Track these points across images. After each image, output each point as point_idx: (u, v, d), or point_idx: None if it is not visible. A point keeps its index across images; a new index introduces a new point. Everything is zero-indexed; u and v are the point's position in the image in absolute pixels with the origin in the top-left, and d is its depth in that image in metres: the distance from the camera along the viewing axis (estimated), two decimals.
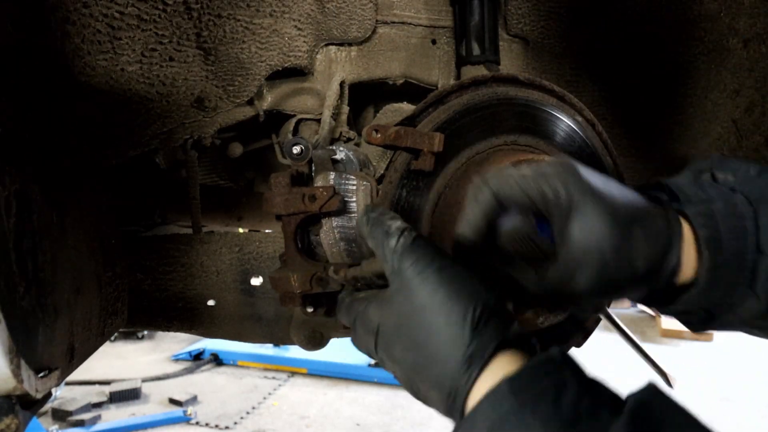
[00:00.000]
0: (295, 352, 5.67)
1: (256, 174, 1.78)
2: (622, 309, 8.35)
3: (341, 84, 1.27)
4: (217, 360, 6.10)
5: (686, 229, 0.74)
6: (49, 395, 0.87)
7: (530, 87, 1.09)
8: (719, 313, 0.76)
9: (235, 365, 6.03)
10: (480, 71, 1.27)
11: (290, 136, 1.31)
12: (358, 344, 0.77)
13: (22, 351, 0.74)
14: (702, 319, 0.78)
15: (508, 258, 0.76)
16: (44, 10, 0.97)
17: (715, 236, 0.73)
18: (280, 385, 5.50)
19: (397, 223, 0.75)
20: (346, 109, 1.31)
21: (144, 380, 5.43)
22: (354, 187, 1.06)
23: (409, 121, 1.05)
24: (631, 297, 0.76)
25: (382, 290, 0.73)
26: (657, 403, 0.56)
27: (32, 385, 0.77)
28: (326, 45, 1.29)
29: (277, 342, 1.43)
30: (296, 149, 1.05)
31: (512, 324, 0.66)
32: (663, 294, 0.76)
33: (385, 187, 1.01)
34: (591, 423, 0.54)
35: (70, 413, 4.64)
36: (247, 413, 4.89)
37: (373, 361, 5.27)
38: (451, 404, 0.64)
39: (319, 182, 1.07)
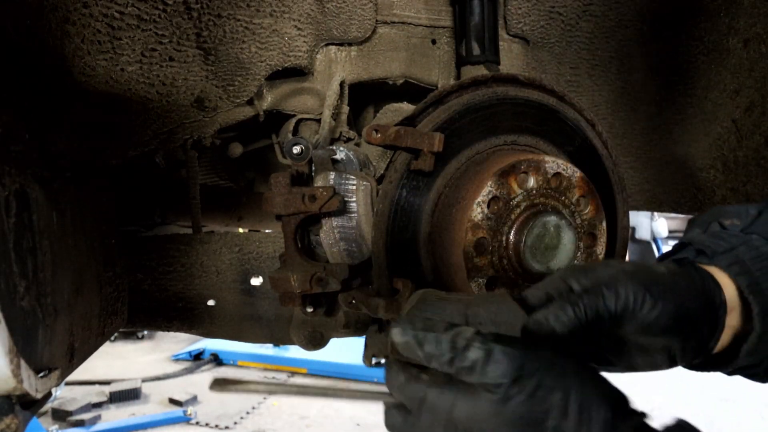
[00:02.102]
0: (295, 352, 5.67)
1: (256, 174, 1.78)
2: None
3: (341, 84, 1.27)
4: (217, 360, 6.10)
5: (725, 283, 0.77)
6: (49, 395, 0.87)
7: (530, 87, 1.09)
8: None
9: (235, 365, 6.03)
10: (480, 71, 1.27)
11: (290, 136, 1.31)
12: (408, 429, 0.69)
13: (22, 351, 0.74)
14: (753, 367, 0.80)
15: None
16: (44, 10, 0.97)
17: (753, 281, 0.76)
18: None
19: (465, 335, 0.65)
20: (346, 109, 1.30)
21: (144, 380, 5.43)
22: (354, 187, 1.06)
23: (409, 121, 1.05)
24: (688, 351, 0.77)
25: (472, 387, 0.64)
26: None
27: (32, 385, 0.77)
28: (326, 45, 1.29)
29: (277, 342, 1.43)
30: (296, 149, 1.05)
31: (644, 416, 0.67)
32: (722, 355, 0.79)
33: (385, 187, 1.01)
34: None
35: (70, 413, 4.64)
36: (247, 413, 4.89)
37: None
38: None
39: (319, 182, 1.07)
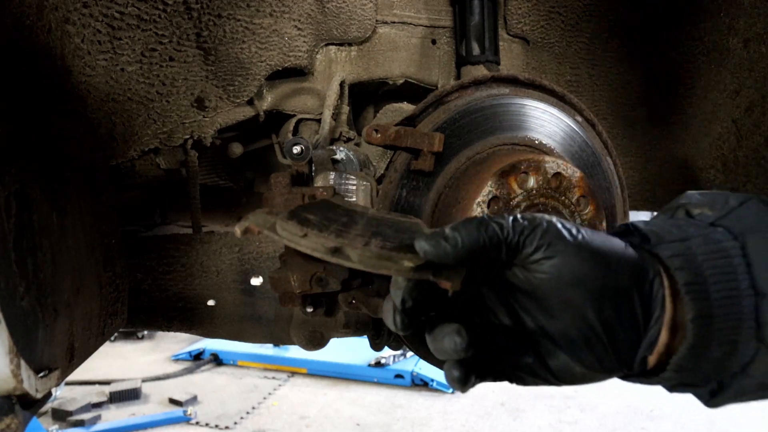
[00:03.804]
0: (295, 352, 5.67)
1: (256, 174, 1.77)
2: None
3: (341, 84, 1.27)
4: (217, 360, 6.10)
5: (664, 280, 0.63)
6: (49, 395, 0.87)
7: (530, 87, 1.09)
8: (731, 379, 0.63)
9: (235, 365, 6.03)
10: (480, 71, 1.27)
11: (290, 136, 1.31)
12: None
13: (22, 351, 0.74)
14: (713, 390, 0.64)
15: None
16: (44, 10, 0.97)
17: (697, 280, 0.60)
18: (280, 385, 5.50)
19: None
20: (346, 109, 1.31)
21: (144, 380, 5.43)
22: (354, 187, 1.06)
23: (409, 121, 1.05)
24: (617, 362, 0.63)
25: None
26: None
27: (32, 385, 0.77)
28: (326, 45, 1.29)
29: (277, 342, 1.43)
30: (296, 149, 1.05)
31: None
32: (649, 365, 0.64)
33: (385, 187, 1.01)
34: None
35: (70, 413, 4.64)
36: (247, 413, 4.88)
37: (373, 361, 5.28)
38: None
39: (319, 182, 1.07)
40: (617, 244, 0.64)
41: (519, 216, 0.63)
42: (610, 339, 0.61)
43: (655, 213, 0.82)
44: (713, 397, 0.65)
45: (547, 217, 0.64)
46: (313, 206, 0.72)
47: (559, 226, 0.62)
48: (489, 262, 0.62)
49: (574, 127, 1.10)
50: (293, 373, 5.72)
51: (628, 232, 0.71)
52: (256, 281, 1.36)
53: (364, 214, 0.73)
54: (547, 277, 0.60)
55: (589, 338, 0.61)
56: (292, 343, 1.34)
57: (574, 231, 0.62)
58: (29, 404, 0.80)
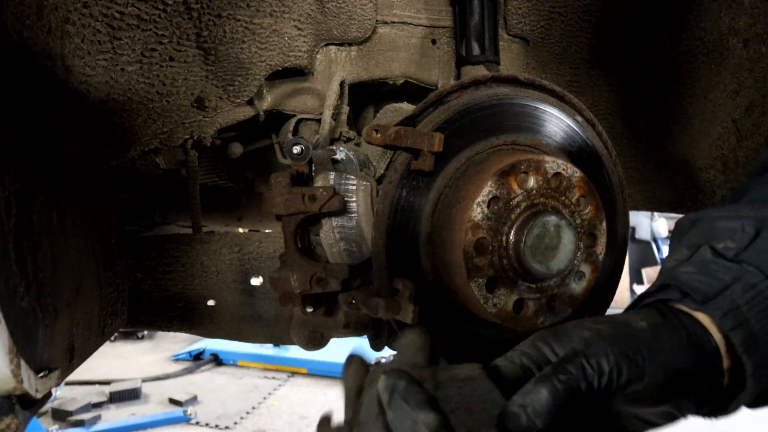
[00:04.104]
0: (295, 352, 5.67)
1: (256, 174, 1.77)
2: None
3: (341, 84, 1.27)
4: (217, 360, 6.10)
5: (715, 334, 0.70)
6: (49, 395, 0.87)
7: (530, 87, 1.09)
8: None
9: (235, 365, 6.04)
10: (480, 71, 1.27)
11: (290, 136, 1.31)
12: None
13: (22, 351, 0.74)
14: (753, 403, 0.76)
15: None
16: (44, 10, 0.97)
17: (749, 334, 0.68)
18: (280, 385, 5.51)
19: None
20: (346, 109, 1.31)
21: (144, 380, 5.43)
22: (354, 187, 1.06)
23: (409, 121, 1.05)
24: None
25: None
26: None
27: (32, 385, 0.77)
28: (326, 45, 1.29)
29: (277, 342, 1.43)
30: (296, 149, 1.05)
31: None
32: (714, 402, 0.74)
33: (385, 187, 1.01)
34: None
35: (70, 413, 4.64)
36: (247, 413, 4.89)
37: (373, 362, 5.28)
38: None
39: (319, 182, 1.07)
40: (672, 344, 0.70)
41: (584, 360, 0.65)
42: (679, 410, 0.71)
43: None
44: (753, 406, 0.77)
45: (607, 357, 0.67)
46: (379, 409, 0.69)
47: (622, 361, 0.66)
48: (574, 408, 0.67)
49: (574, 127, 1.11)
50: (293, 373, 5.72)
51: (667, 287, 0.77)
52: (256, 281, 1.36)
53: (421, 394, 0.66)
54: (626, 400, 0.67)
55: (664, 414, 0.70)
56: (292, 343, 1.34)
57: (640, 361, 0.67)
58: (29, 404, 0.80)
